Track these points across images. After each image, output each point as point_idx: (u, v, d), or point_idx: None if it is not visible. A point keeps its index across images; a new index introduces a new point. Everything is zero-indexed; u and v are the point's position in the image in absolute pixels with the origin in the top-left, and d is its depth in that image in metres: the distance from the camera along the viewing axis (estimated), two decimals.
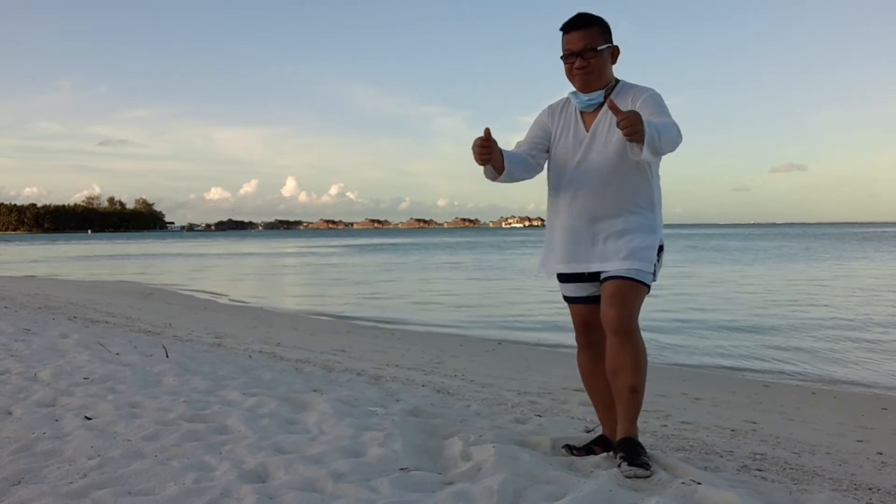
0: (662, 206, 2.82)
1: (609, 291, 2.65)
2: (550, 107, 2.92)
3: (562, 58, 2.74)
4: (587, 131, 2.77)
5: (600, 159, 2.70)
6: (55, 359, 4.73)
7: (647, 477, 2.44)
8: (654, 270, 2.72)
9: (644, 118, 2.41)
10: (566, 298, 2.92)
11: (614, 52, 2.75)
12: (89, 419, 3.16)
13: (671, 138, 2.49)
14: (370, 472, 2.44)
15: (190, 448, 2.72)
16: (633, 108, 2.60)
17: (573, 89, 2.78)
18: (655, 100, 2.67)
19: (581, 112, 2.80)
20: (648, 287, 2.69)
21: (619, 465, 2.49)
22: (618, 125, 2.38)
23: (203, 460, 2.58)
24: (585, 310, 2.86)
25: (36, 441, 2.82)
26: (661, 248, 2.75)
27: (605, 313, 2.64)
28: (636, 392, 2.62)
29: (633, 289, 2.63)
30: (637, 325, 2.65)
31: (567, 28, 2.71)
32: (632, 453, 2.52)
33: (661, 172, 2.82)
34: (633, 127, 2.33)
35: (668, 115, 2.63)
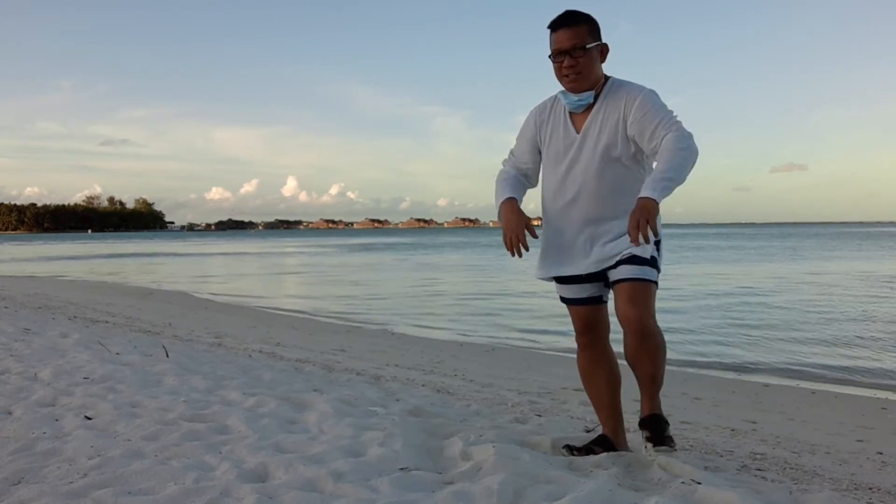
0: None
1: (625, 294, 2.61)
2: (538, 108, 2.86)
3: (550, 57, 2.67)
4: (577, 133, 2.71)
5: (591, 162, 2.66)
6: (55, 358, 4.73)
7: (674, 450, 2.61)
8: (657, 264, 2.68)
9: (651, 179, 2.41)
10: (565, 300, 2.88)
11: (603, 51, 2.67)
12: (89, 419, 3.16)
13: (687, 164, 2.44)
14: (370, 472, 2.44)
15: (190, 448, 2.72)
16: (627, 113, 2.58)
17: (563, 88, 2.73)
18: (651, 103, 2.59)
19: (570, 113, 2.74)
20: (657, 283, 2.68)
21: (645, 447, 2.62)
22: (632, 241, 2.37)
23: (203, 460, 2.58)
24: (586, 310, 2.83)
25: (36, 441, 2.82)
26: (659, 242, 2.68)
27: (626, 314, 2.60)
28: (655, 379, 2.66)
29: (646, 288, 2.61)
30: (656, 321, 2.65)
31: (555, 26, 2.64)
32: (656, 430, 2.61)
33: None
34: (647, 233, 2.33)
35: (668, 116, 2.55)
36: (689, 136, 2.49)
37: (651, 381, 2.66)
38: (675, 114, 2.58)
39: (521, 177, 2.86)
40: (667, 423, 2.68)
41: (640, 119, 2.57)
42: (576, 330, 2.89)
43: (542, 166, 2.84)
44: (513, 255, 2.63)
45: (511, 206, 2.69)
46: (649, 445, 2.60)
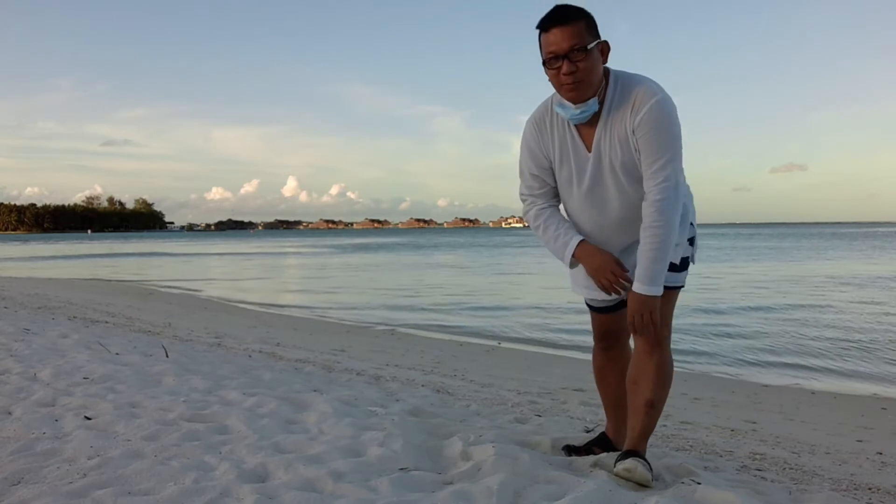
0: (689, 193, 2.53)
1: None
2: (534, 120, 2.50)
3: (543, 63, 2.30)
4: (589, 151, 2.39)
5: (611, 185, 2.38)
6: (55, 359, 4.72)
7: (648, 481, 2.33)
8: (687, 265, 2.53)
9: (643, 268, 2.29)
10: (589, 306, 2.75)
11: (604, 49, 2.31)
12: (89, 419, 3.16)
13: (670, 237, 2.29)
14: (370, 472, 2.44)
15: (190, 448, 2.71)
16: (634, 123, 2.28)
17: (556, 94, 2.39)
18: (657, 126, 2.25)
19: (574, 125, 2.41)
20: (683, 286, 2.54)
21: (620, 465, 2.35)
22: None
23: (203, 460, 2.58)
24: (608, 319, 2.72)
25: (36, 441, 2.81)
26: (693, 237, 2.53)
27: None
28: (653, 408, 2.43)
29: (668, 296, 2.42)
30: (669, 335, 2.48)
31: (546, 25, 2.26)
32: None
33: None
34: (649, 326, 2.32)
35: (665, 157, 2.27)
36: (670, 198, 2.28)
37: (647, 410, 2.41)
38: (675, 146, 2.29)
39: (560, 207, 2.59)
40: (650, 466, 2.40)
41: (641, 140, 2.29)
42: (594, 334, 2.81)
43: (557, 185, 2.54)
44: (618, 294, 2.46)
45: (590, 249, 2.45)
46: (628, 460, 2.35)
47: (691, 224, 2.52)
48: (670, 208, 2.29)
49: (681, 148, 2.33)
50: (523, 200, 2.62)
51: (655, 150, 2.27)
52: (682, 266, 2.51)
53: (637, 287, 2.34)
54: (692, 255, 2.58)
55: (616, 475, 2.37)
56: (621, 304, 2.64)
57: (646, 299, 2.32)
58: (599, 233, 2.49)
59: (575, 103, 2.32)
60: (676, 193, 2.30)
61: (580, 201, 2.47)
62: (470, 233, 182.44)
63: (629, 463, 2.34)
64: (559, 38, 2.24)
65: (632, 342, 2.66)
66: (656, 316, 2.33)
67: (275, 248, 60.53)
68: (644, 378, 2.45)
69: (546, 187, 2.54)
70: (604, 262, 2.42)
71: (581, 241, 2.47)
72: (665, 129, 2.27)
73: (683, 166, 2.40)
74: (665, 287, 2.38)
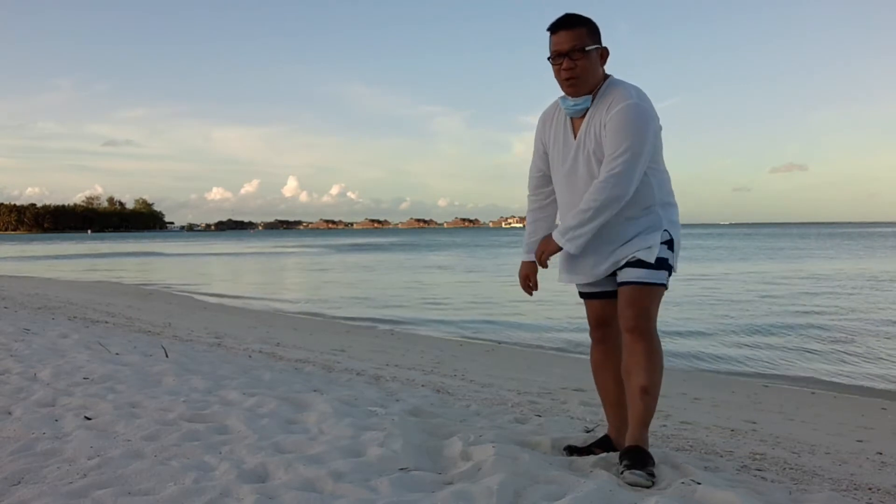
0: (673, 195, 2.74)
1: (624, 296, 2.64)
2: (543, 115, 2.87)
3: (549, 59, 2.66)
4: (574, 139, 2.71)
5: (588, 171, 2.65)
6: (55, 359, 4.72)
7: (648, 486, 2.39)
8: (669, 264, 2.65)
9: (563, 225, 2.68)
10: (580, 293, 2.90)
11: (603, 54, 2.65)
12: (89, 419, 3.16)
13: (596, 216, 2.57)
14: (370, 472, 2.44)
15: (190, 448, 2.72)
16: (606, 120, 2.56)
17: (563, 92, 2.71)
18: (621, 124, 2.53)
19: (570, 118, 2.73)
20: (664, 285, 2.66)
21: (622, 473, 2.44)
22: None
23: (203, 460, 2.58)
24: (599, 305, 2.83)
25: (36, 441, 2.82)
26: (671, 241, 2.66)
27: (621, 313, 2.64)
28: (647, 394, 2.56)
29: (645, 291, 2.61)
30: (653, 326, 2.63)
31: (554, 28, 2.63)
32: (637, 461, 2.47)
33: (665, 167, 2.72)
34: (542, 261, 2.77)
35: (619, 150, 2.52)
36: (611, 185, 2.53)
37: (642, 395, 2.56)
38: (637, 144, 2.52)
39: (543, 208, 2.91)
40: (652, 460, 2.54)
41: (607, 134, 2.56)
42: (589, 323, 2.92)
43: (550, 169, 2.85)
44: (526, 291, 2.96)
45: (523, 264, 2.94)
46: (626, 472, 2.44)
47: (665, 230, 2.66)
48: (608, 192, 2.54)
49: (645, 151, 2.54)
50: (529, 180, 2.99)
51: (616, 143, 2.54)
52: (658, 265, 2.63)
53: (553, 233, 2.73)
54: (672, 259, 2.68)
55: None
56: (610, 294, 2.77)
57: (548, 241, 2.75)
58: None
59: (572, 97, 2.66)
60: (622, 183, 2.54)
61: (561, 182, 2.78)
62: (470, 233, 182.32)
63: (629, 478, 2.42)
64: (563, 39, 2.61)
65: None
66: (546, 258, 2.77)
67: (274, 248, 60.66)
68: (635, 365, 2.59)
69: (539, 173, 2.91)
70: (525, 271, 2.94)
71: (524, 260, 2.95)
72: (630, 128, 2.52)
73: (672, 175, 2.73)
74: (646, 284, 2.61)
